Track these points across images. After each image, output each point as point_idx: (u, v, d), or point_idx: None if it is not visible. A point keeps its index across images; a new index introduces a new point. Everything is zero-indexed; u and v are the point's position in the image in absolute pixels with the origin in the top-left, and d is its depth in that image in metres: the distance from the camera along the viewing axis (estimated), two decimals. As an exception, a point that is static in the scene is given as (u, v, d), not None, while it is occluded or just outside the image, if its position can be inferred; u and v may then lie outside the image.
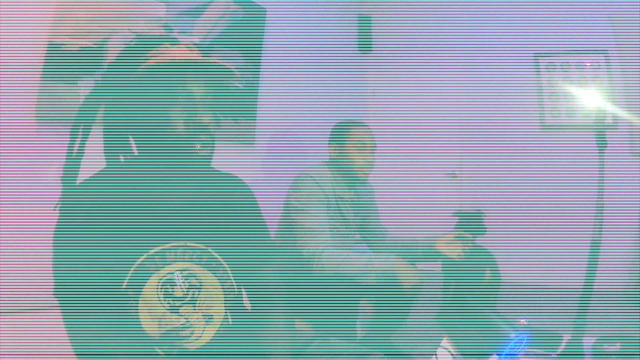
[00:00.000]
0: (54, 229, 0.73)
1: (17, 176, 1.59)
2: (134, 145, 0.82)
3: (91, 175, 0.78)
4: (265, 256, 0.93)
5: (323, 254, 1.46)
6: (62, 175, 0.75)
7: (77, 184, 0.76)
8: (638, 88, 2.98)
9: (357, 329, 1.77)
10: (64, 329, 0.70)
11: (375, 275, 1.42)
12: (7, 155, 1.57)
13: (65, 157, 0.76)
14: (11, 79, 1.58)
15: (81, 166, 0.77)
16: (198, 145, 0.78)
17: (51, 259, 0.72)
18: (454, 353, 1.20)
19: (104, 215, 0.71)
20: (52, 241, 0.72)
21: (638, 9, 2.97)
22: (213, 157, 0.87)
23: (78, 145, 0.75)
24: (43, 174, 1.64)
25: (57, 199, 0.75)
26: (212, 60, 0.79)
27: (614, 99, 3.04)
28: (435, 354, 1.18)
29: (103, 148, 0.79)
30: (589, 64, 3.17)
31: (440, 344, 1.25)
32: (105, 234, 0.70)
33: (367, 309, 1.81)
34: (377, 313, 1.75)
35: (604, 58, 3.10)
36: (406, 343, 1.99)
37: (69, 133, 0.76)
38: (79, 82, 1.76)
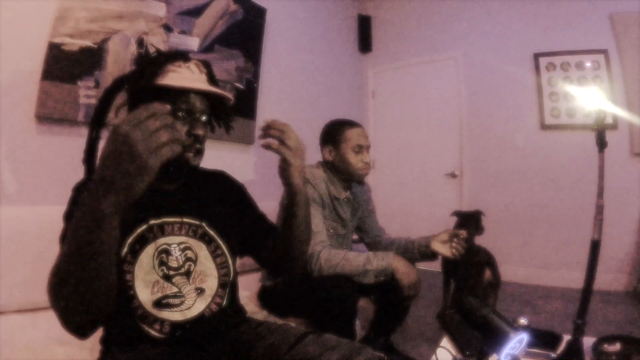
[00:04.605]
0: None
1: (17, 176, 1.59)
2: None
3: None
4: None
5: (320, 253, 1.45)
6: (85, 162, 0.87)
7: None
8: (638, 88, 2.98)
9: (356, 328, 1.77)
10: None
11: (374, 275, 1.42)
12: (7, 155, 1.57)
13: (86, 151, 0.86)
14: (11, 79, 1.58)
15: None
16: (192, 151, 0.90)
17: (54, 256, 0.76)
18: (454, 353, 1.20)
19: None
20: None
21: (638, 9, 2.97)
22: (213, 157, 0.94)
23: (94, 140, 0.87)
24: (43, 173, 1.65)
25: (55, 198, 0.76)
26: (213, 90, 0.90)
27: (614, 99, 3.04)
28: (435, 354, 1.19)
29: None
30: (589, 64, 3.17)
31: (440, 344, 1.25)
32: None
33: (367, 309, 1.81)
34: (376, 313, 1.75)
35: (604, 58, 3.11)
36: (406, 343, 1.99)
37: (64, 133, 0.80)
38: (79, 82, 1.76)
